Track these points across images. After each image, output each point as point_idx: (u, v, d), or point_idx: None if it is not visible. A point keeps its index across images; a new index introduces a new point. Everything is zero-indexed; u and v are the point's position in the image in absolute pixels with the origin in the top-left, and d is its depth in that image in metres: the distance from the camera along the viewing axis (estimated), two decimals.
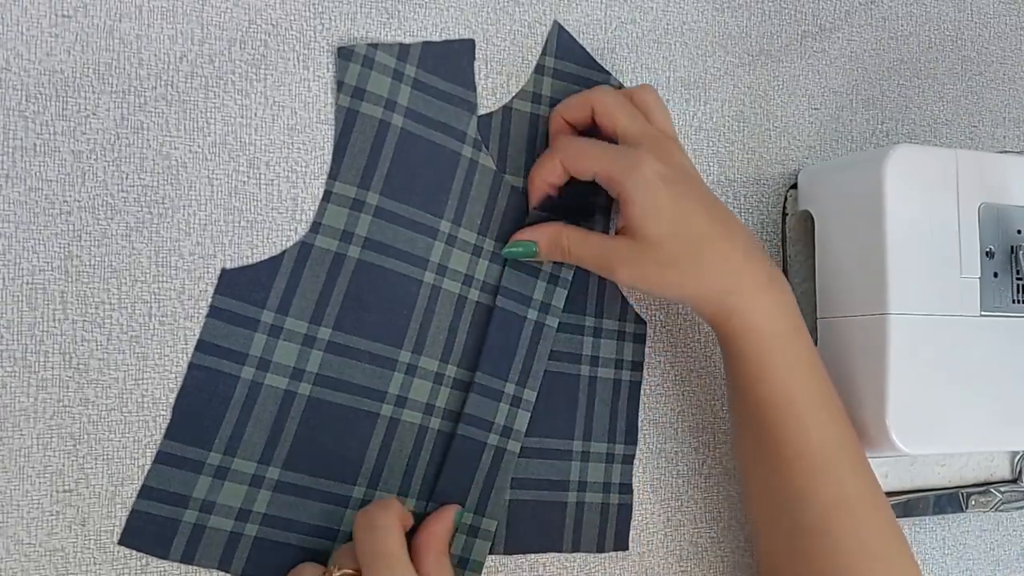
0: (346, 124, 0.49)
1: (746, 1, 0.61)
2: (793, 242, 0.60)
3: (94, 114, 0.45)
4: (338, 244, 0.48)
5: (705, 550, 0.56)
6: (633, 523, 0.54)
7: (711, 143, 0.59)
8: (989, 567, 0.65)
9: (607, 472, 0.53)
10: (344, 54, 0.49)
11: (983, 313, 0.54)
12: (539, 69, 0.54)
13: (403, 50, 0.50)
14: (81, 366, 0.44)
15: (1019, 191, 0.55)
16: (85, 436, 0.44)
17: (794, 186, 0.60)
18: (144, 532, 0.44)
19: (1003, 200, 0.55)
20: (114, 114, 0.45)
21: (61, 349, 0.44)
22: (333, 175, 0.48)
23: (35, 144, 0.44)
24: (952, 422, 0.52)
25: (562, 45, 0.54)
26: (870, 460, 0.59)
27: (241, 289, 0.46)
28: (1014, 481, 0.64)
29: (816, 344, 0.57)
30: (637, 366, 0.55)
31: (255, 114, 0.48)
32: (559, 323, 0.53)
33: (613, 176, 0.47)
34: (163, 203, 0.46)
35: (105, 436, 0.44)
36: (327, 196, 0.48)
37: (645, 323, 0.55)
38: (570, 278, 0.53)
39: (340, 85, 0.49)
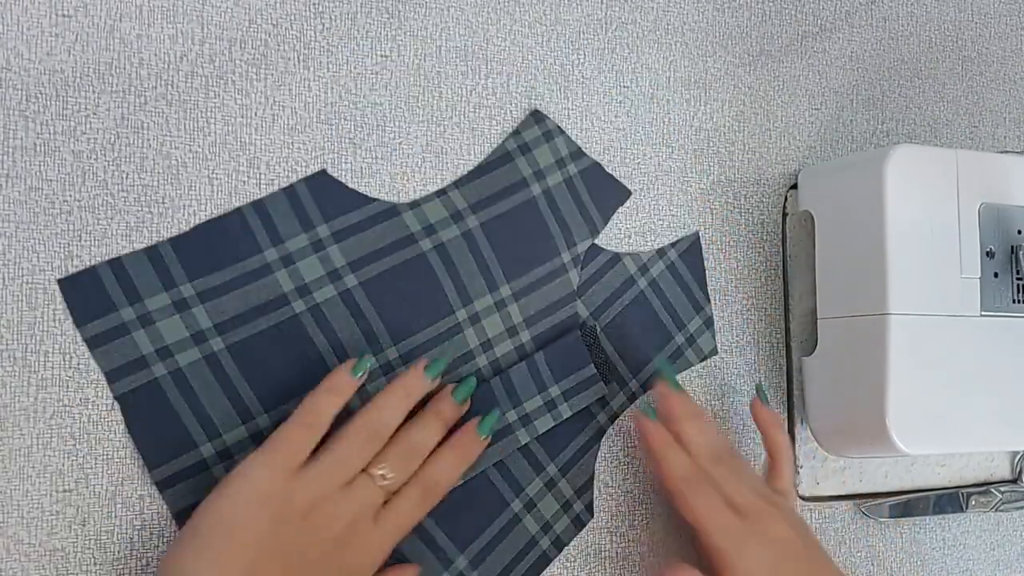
0: (497, 160, 0.52)
1: (746, 1, 0.61)
2: (793, 242, 0.60)
3: (94, 114, 0.45)
4: (425, 238, 0.50)
5: None
6: (633, 523, 0.54)
7: (711, 143, 0.59)
8: (989, 567, 0.65)
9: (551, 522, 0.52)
10: (537, 117, 0.53)
11: (983, 313, 0.54)
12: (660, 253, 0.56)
13: (578, 152, 0.54)
14: (81, 366, 0.44)
15: (1019, 191, 0.55)
16: (85, 436, 0.44)
17: (794, 186, 0.60)
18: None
19: (1003, 200, 0.55)
20: (114, 114, 0.45)
21: (61, 349, 0.44)
22: (456, 183, 0.51)
23: (35, 144, 0.44)
24: (952, 422, 0.52)
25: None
26: (871, 460, 0.59)
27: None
28: (1014, 481, 0.64)
29: (816, 344, 0.57)
30: (561, 546, 0.52)
31: (255, 114, 0.48)
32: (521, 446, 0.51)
33: (719, 547, 0.47)
34: (163, 203, 0.46)
35: (105, 436, 0.44)
36: (440, 193, 0.51)
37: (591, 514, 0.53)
38: (565, 416, 0.52)
39: (516, 133, 0.52)
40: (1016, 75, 0.69)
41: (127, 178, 0.45)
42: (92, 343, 0.44)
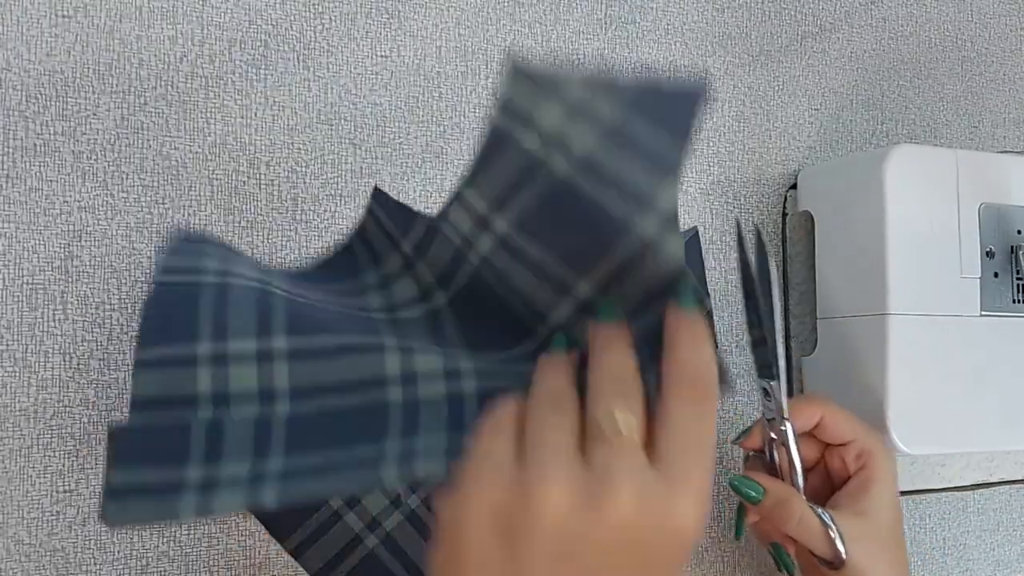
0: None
1: (746, 1, 0.61)
2: (793, 242, 0.60)
3: (94, 114, 0.45)
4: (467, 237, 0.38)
5: (705, 550, 0.56)
6: None
7: (711, 143, 0.59)
8: (989, 567, 0.65)
9: None
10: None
11: (983, 313, 0.54)
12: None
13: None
14: (82, 366, 0.44)
15: (1019, 191, 0.55)
16: (86, 436, 0.44)
17: (794, 186, 0.60)
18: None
19: (1003, 200, 0.55)
20: (114, 114, 0.45)
21: (62, 349, 0.44)
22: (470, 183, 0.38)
23: (35, 144, 0.44)
24: (952, 422, 0.52)
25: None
26: None
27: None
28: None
29: (816, 344, 0.57)
30: None
31: (255, 114, 0.48)
32: None
33: (869, 448, 0.48)
34: (163, 203, 0.46)
35: (106, 437, 0.44)
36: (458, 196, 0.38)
37: None
38: None
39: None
40: (1016, 75, 0.69)
41: (127, 178, 0.45)
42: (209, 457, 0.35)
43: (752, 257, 0.46)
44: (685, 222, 0.57)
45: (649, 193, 0.36)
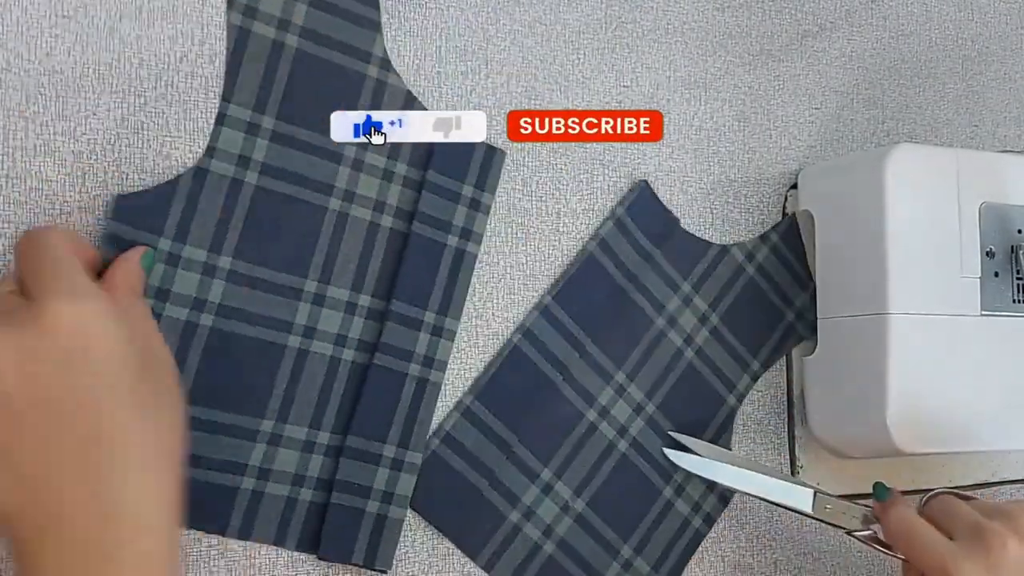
0: (238, 43, 0.47)
1: (746, 1, 0.61)
2: None
3: (94, 114, 0.45)
4: (235, 169, 0.46)
5: (705, 550, 0.56)
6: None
7: (711, 143, 0.59)
8: None
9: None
10: None
11: (983, 313, 0.54)
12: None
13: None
14: None
15: (1020, 191, 0.55)
16: None
17: (794, 186, 0.60)
18: None
19: (1004, 200, 0.55)
20: (114, 114, 0.45)
21: None
22: (227, 97, 0.47)
23: (35, 144, 0.44)
24: (952, 422, 0.52)
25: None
26: (870, 460, 0.59)
27: (136, 215, 0.44)
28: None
29: (816, 344, 0.57)
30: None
31: None
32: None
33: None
34: None
35: None
36: (220, 119, 0.46)
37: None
38: (491, 204, 0.51)
39: (231, 3, 0.47)
40: (1016, 74, 0.69)
41: (127, 179, 0.45)
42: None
43: None
44: (685, 223, 0.57)
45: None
